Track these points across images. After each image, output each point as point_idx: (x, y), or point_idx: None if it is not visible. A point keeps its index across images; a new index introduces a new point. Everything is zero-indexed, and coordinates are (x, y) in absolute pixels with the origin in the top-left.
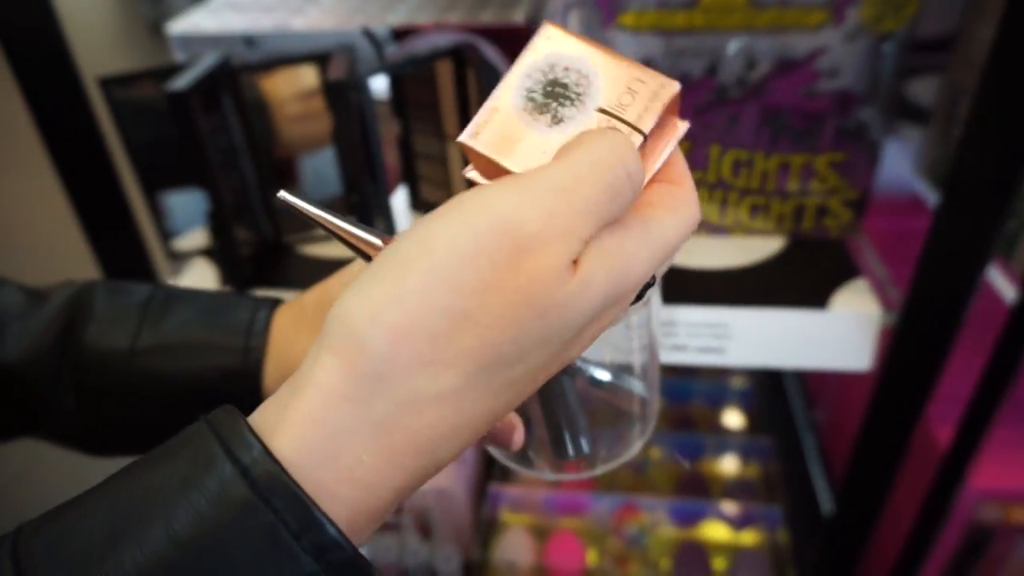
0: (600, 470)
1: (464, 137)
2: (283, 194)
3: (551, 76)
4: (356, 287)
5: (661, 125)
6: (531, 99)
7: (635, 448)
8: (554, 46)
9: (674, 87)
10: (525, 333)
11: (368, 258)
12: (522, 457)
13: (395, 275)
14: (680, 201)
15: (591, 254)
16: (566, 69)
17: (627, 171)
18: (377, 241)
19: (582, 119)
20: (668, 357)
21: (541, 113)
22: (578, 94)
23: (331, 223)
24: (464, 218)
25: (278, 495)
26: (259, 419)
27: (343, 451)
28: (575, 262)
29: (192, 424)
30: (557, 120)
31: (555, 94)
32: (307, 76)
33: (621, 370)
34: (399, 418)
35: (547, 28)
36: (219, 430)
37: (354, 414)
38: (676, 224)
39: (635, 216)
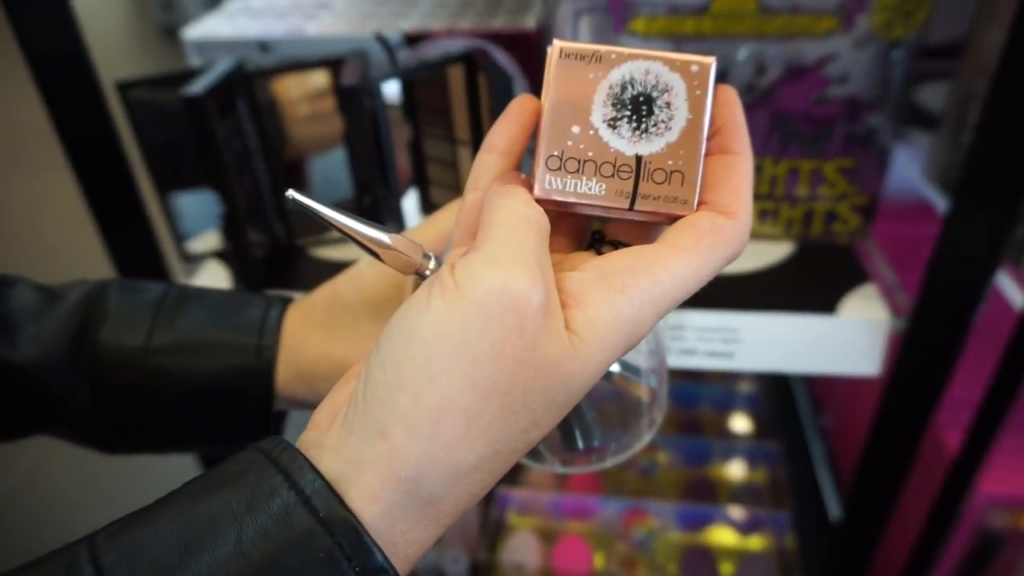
0: (610, 462)
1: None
2: (292, 193)
3: (631, 92)
4: (388, 371)
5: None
6: (617, 117)
7: (645, 439)
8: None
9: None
10: (533, 394)
11: (376, 256)
12: (532, 451)
13: (421, 357)
14: (720, 240)
15: (588, 320)
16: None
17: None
18: (385, 239)
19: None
20: (677, 361)
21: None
22: (667, 103)
23: (339, 222)
24: (468, 296)
25: (336, 524)
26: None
27: (397, 521)
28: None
29: (244, 452)
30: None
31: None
32: (317, 77)
33: (629, 363)
34: (444, 490)
35: (560, 44)
36: (279, 462)
37: (407, 492)
38: (702, 268)
39: (646, 271)
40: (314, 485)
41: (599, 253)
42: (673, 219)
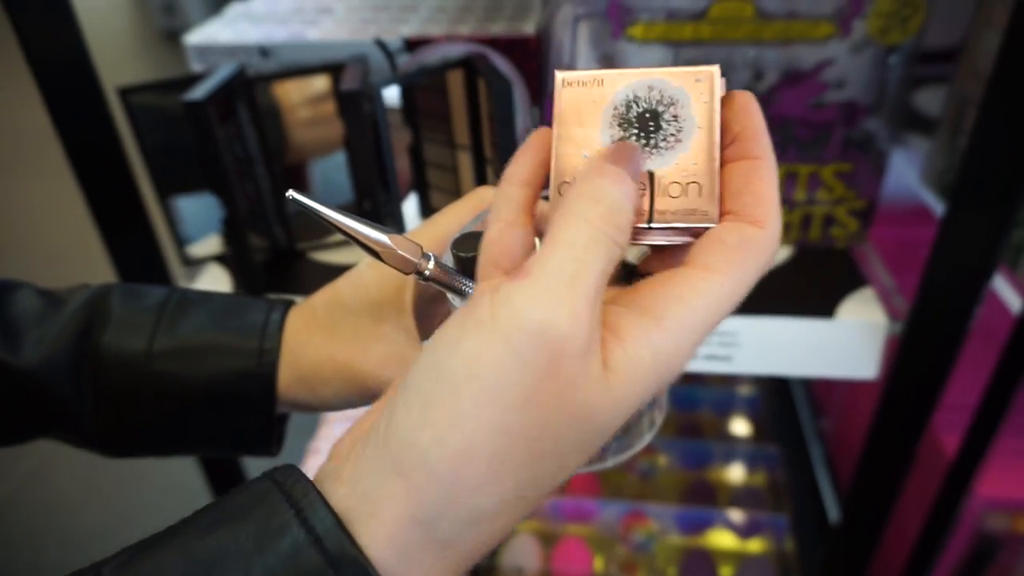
0: (611, 463)
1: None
2: (292, 193)
3: (636, 110)
4: (413, 410)
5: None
6: (625, 136)
7: (645, 440)
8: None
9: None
10: (563, 440)
11: (377, 255)
12: None
13: (449, 398)
14: (750, 252)
15: (627, 358)
16: (650, 96)
17: (615, 223)
18: (384, 239)
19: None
20: None
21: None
22: (674, 115)
23: (340, 222)
24: (502, 335)
25: (347, 565)
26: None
27: (413, 564)
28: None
29: (257, 481)
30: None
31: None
32: (317, 81)
33: None
34: (461, 534)
35: (561, 75)
36: (291, 495)
37: (424, 534)
38: (736, 284)
39: (678, 300)
40: (326, 523)
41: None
42: (698, 234)
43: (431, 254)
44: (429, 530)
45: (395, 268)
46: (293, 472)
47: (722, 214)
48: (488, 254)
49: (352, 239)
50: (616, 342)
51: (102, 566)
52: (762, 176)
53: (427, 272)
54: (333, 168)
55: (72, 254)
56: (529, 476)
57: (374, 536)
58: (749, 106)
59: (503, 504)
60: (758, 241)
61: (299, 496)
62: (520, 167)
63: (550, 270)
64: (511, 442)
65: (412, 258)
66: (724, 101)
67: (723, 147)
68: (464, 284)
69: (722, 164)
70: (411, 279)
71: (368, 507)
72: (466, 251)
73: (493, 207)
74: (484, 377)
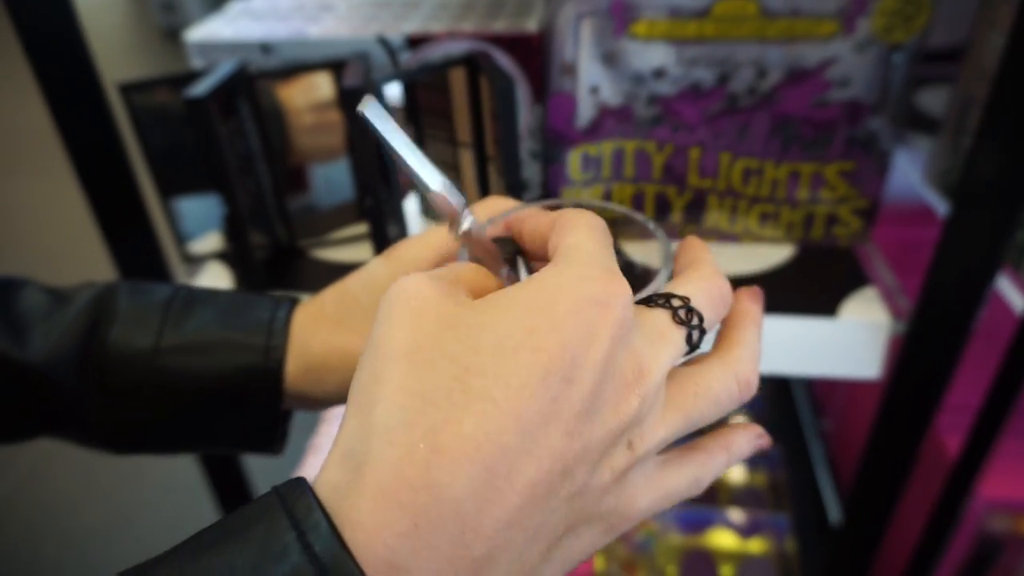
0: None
1: None
2: (366, 101)
3: None
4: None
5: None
6: None
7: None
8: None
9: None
10: (446, 348)
11: (425, 191)
12: None
13: (370, 368)
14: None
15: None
16: None
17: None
18: (440, 182)
19: None
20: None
21: None
22: None
23: (402, 152)
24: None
25: None
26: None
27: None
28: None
29: (263, 496)
30: None
31: None
32: (322, 87)
33: None
34: (375, 452)
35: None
36: (295, 515)
37: (350, 466)
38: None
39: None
40: (332, 550)
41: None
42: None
43: (470, 213)
44: (349, 459)
45: (437, 212)
46: (298, 485)
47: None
48: None
49: (408, 171)
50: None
51: None
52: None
53: (463, 228)
54: (333, 171)
55: (72, 251)
56: (424, 385)
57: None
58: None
59: (407, 417)
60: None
61: (302, 513)
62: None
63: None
64: (401, 367)
65: (457, 208)
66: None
67: None
68: (492, 251)
69: None
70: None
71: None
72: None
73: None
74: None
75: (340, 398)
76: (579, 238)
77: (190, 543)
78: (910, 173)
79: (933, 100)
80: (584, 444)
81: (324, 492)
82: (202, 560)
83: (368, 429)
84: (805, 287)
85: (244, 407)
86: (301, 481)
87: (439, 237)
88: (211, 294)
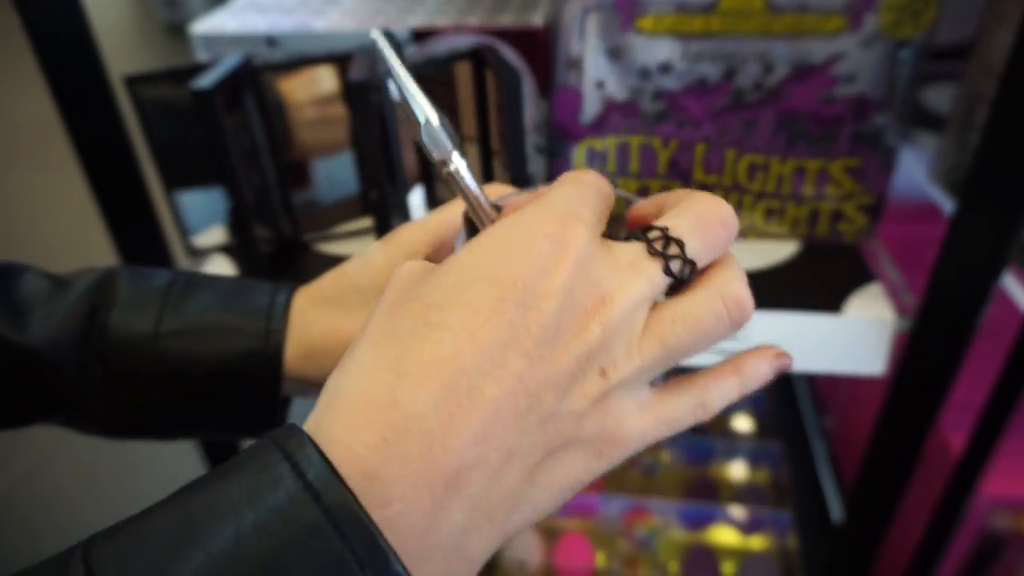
0: None
1: None
2: (378, 32)
3: None
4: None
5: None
6: None
7: None
8: None
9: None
10: (418, 298)
11: (416, 124)
12: None
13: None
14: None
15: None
16: None
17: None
18: (435, 116)
19: None
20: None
21: None
22: None
23: (404, 82)
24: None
25: (347, 522)
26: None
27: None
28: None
29: (256, 442)
30: None
31: None
32: (326, 81)
33: None
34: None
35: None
36: (287, 449)
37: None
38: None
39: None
40: (323, 477)
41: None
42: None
43: (457, 151)
44: (327, 397)
45: (427, 151)
46: (292, 427)
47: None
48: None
49: (408, 101)
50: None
51: (95, 535)
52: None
53: (450, 168)
54: (336, 165)
55: (76, 244)
56: (392, 325)
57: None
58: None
59: (382, 365)
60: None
61: (294, 447)
62: None
63: None
64: (376, 319)
65: (447, 144)
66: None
67: None
68: (479, 196)
69: None
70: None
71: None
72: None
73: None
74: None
75: None
76: (558, 188)
77: (184, 488)
78: (915, 170)
79: (939, 97)
80: (548, 369)
81: (309, 427)
82: (198, 496)
83: (343, 370)
84: (810, 283)
85: (244, 391)
86: (292, 424)
87: (438, 222)
88: (210, 279)
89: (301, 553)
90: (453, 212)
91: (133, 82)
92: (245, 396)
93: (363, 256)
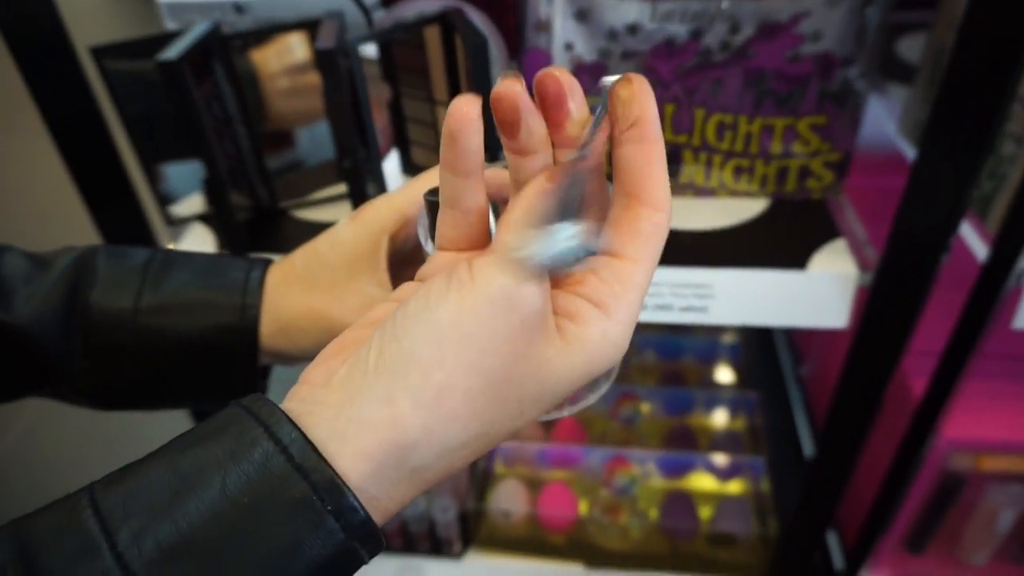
0: (567, 412)
1: None
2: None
3: None
4: (404, 348)
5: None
6: None
7: (602, 389)
8: None
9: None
10: (524, 388)
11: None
12: None
13: (435, 341)
14: (660, 238)
15: (580, 335)
16: None
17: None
18: None
19: None
20: (652, 316)
21: None
22: None
23: None
24: (480, 291)
25: (311, 470)
26: (295, 409)
27: (384, 480)
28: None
29: (228, 408)
30: None
31: None
32: (298, 49)
33: None
34: (433, 461)
35: None
36: (260, 416)
37: (399, 456)
38: (653, 268)
39: (622, 299)
40: (291, 436)
41: None
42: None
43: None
44: (406, 454)
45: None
46: (259, 398)
47: (624, 195)
48: (448, 237)
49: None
50: (571, 320)
51: (94, 484)
52: (660, 161)
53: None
54: (316, 132)
55: (54, 216)
56: (493, 416)
57: (356, 454)
58: (646, 89)
59: (470, 438)
60: (664, 225)
61: (267, 415)
62: (461, 158)
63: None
64: (482, 382)
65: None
66: (619, 84)
67: (621, 131)
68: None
69: (616, 147)
70: (385, 237)
71: (354, 428)
72: (438, 197)
73: (445, 193)
74: (466, 324)
75: (312, 355)
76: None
77: (169, 447)
78: (886, 122)
79: (913, 48)
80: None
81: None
82: (188, 454)
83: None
84: (778, 240)
85: (223, 363)
86: (260, 395)
87: (403, 198)
88: (188, 256)
89: (276, 496)
90: (418, 188)
91: (99, 53)
92: (224, 368)
93: (331, 232)
